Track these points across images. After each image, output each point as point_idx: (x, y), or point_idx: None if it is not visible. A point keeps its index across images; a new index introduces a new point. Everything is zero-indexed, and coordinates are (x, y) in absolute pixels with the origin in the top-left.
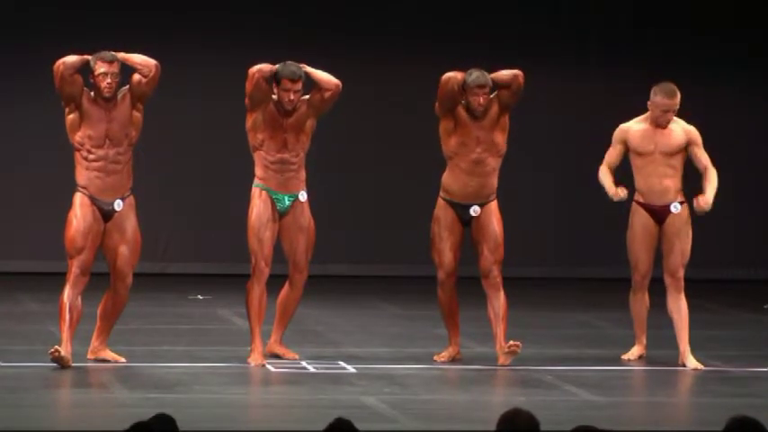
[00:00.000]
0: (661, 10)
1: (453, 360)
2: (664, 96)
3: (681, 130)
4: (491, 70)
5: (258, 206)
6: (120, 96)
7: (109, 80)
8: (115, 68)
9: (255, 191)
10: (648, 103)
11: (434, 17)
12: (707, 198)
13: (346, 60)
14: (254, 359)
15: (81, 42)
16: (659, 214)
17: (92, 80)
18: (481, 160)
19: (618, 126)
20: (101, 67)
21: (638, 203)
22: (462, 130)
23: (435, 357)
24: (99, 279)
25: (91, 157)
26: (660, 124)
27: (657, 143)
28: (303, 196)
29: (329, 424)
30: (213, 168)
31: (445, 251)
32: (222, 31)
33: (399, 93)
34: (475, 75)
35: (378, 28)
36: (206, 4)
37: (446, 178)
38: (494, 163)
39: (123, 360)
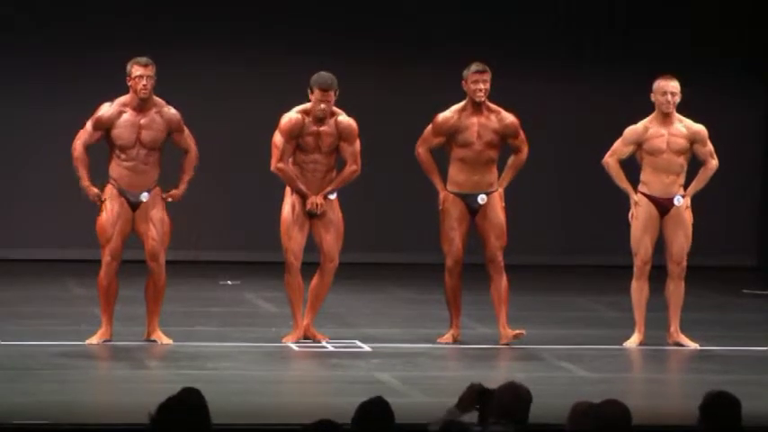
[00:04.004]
0: (657, 10)
1: (455, 341)
2: (664, 80)
3: (688, 130)
4: (491, 69)
5: (289, 204)
6: (155, 112)
7: (144, 82)
8: (150, 71)
9: (288, 189)
10: (651, 95)
11: (435, 19)
12: (685, 200)
13: (346, 61)
14: (289, 339)
15: (100, 44)
16: (662, 206)
17: (129, 83)
18: (480, 151)
19: (616, 122)
20: (137, 71)
21: (643, 194)
22: (459, 126)
23: (438, 339)
24: (144, 266)
25: (122, 156)
26: (665, 110)
27: (669, 143)
28: (333, 195)
29: (313, 423)
30: (241, 166)
31: (455, 240)
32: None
33: (400, 92)
34: (474, 64)
35: (378, 30)
36: (209, 10)
37: (451, 172)
38: (493, 154)
39: (170, 341)
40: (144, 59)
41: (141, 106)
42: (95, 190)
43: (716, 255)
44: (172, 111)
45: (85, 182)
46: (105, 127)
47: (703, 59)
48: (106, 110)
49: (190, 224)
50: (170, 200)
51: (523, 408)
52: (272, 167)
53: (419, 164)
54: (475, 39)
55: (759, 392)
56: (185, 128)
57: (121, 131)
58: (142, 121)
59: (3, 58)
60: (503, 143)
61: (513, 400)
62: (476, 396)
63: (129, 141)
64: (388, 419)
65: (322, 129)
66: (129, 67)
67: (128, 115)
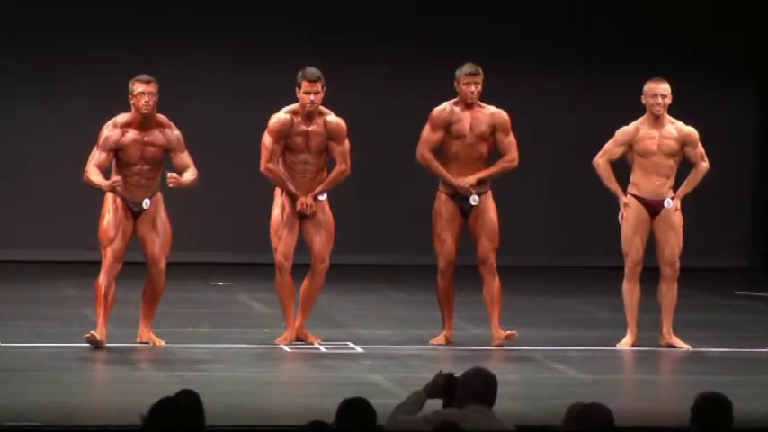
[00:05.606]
0: (651, 13)
1: (447, 342)
2: (654, 83)
3: (679, 133)
4: (487, 71)
5: (279, 205)
6: (158, 131)
7: (146, 99)
8: (152, 88)
9: (278, 190)
10: (642, 97)
11: (434, 20)
12: (675, 202)
13: (346, 62)
14: (281, 340)
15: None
16: (653, 207)
17: (131, 100)
18: (472, 144)
19: (611, 124)
20: (139, 87)
21: (632, 195)
22: (453, 117)
23: (431, 341)
24: (142, 268)
25: (127, 171)
26: (656, 112)
27: (660, 145)
28: (323, 196)
29: (305, 425)
30: (234, 166)
31: (447, 241)
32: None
33: (399, 93)
34: (466, 65)
35: (377, 32)
36: (207, 11)
37: None
38: (484, 150)
39: (162, 343)
40: (146, 77)
41: (144, 124)
42: (107, 182)
43: (708, 256)
44: (175, 132)
45: (102, 183)
46: (114, 149)
47: (697, 60)
48: (111, 132)
49: (182, 225)
50: (172, 183)
51: (491, 392)
52: (262, 168)
53: (424, 167)
54: (472, 39)
55: (751, 393)
56: (185, 150)
57: (129, 149)
58: (145, 138)
59: (2, 58)
60: (493, 138)
61: (481, 385)
62: (443, 383)
63: (133, 158)
64: (368, 418)
65: (311, 128)
66: (130, 84)
67: (131, 134)
